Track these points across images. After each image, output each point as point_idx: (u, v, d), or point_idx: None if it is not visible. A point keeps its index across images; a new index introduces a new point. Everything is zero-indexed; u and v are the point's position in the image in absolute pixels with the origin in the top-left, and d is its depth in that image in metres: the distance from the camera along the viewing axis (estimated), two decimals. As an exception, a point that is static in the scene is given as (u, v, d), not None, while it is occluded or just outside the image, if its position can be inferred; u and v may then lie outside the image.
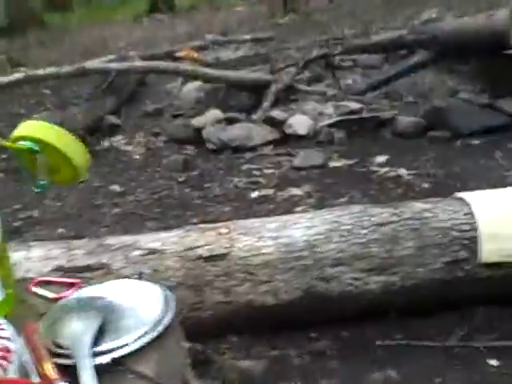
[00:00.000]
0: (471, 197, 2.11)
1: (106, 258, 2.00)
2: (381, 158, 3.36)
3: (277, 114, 3.98)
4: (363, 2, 8.07)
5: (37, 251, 2.04)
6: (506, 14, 3.64)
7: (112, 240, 2.09)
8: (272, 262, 1.95)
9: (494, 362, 1.79)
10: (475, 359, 1.81)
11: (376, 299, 1.96)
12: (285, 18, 8.19)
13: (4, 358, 0.89)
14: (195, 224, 2.50)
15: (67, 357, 0.99)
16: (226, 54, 5.84)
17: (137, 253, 2.01)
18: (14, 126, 1.16)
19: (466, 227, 1.99)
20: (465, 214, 2.02)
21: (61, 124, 1.24)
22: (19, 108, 5.02)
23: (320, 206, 2.77)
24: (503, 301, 1.96)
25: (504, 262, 1.95)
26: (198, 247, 2.00)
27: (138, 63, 4.93)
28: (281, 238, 2.00)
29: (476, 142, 3.42)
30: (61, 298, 1.17)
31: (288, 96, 4.28)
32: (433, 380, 1.75)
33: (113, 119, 4.38)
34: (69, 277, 1.33)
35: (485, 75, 3.90)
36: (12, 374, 0.90)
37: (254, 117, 4.00)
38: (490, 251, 1.94)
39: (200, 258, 1.97)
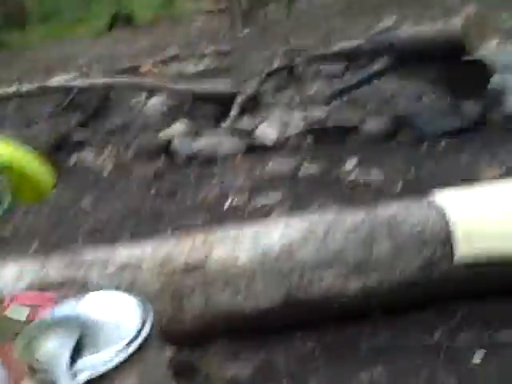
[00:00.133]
0: (442, 197, 2.14)
1: (80, 274, 1.98)
2: (350, 164, 3.38)
3: (244, 123, 3.99)
4: (321, 13, 8.15)
5: (10, 269, 2.01)
6: (461, 22, 3.72)
7: (86, 255, 2.07)
8: (250, 268, 1.95)
9: (478, 357, 1.81)
10: (459, 355, 1.83)
11: (356, 301, 1.97)
12: (244, 31, 8.23)
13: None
14: (170, 236, 2.50)
15: (45, 377, 0.97)
16: (189, 68, 5.83)
17: (112, 267, 1.99)
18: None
19: (440, 227, 2.01)
20: (437, 215, 2.04)
21: (24, 143, 1.22)
22: (-20, 128, 4.94)
23: (292, 213, 2.78)
24: (483, 297, 1.98)
25: (479, 260, 1.97)
26: (175, 259, 1.99)
27: (100, 80, 4.90)
28: (258, 244, 2.00)
29: (441, 144, 3.46)
30: (37, 316, 1.15)
31: (254, 106, 4.30)
32: (419, 377, 1.77)
33: (79, 135, 4.33)
34: (43, 295, 1.31)
35: (445, 80, 3.97)
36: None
37: (222, 128, 4.00)
38: (465, 250, 1.97)
39: (177, 268, 1.96)
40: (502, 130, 3.50)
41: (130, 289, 1.92)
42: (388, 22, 5.94)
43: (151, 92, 4.80)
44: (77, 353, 1.02)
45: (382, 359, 1.84)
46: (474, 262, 1.97)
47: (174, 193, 3.34)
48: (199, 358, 1.78)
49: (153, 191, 3.38)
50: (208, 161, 3.69)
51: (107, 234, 2.92)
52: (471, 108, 3.62)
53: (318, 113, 4.07)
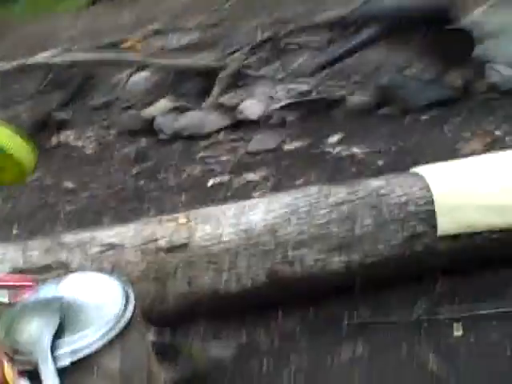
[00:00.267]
0: (426, 171, 2.14)
1: (63, 257, 1.97)
2: (333, 138, 3.37)
3: (227, 100, 3.95)
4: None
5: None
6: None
7: (69, 237, 2.05)
8: (233, 248, 1.95)
9: (458, 332, 1.83)
10: (440, 330, 1.84)
11: (339, 278, 1.98)
12: (228, 3, 8.13)
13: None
14: (153, 216, 2.48)
15: (27, 360, 0.97)
16: (173, 42, 5.76)
17: (95, 249, 1.98)
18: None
19: (422, 201, 2.02)
20: (420, 188, 2.05)
21: (6, 123, 1.20)
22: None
23: (277, 189, 2.77)
24: (464, 271, 2.00)
25: (461, 233, 1.98)
26: (158, 239, 1.98)
27: (83, 56, 4.83)
28: (240, 224, 1.99)
29: (425, 116, 3.45)
30: (18, 300, 1.14)
31: (237, 81, 4.26)
32: (400, 352, 1.78)
33: (61, 115, 4.29)
34: (25, 277, 1.30)
35: (430, 51, 3.94)
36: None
37: (205, 104, 3.96)
38: (447, 223, 1.98)
39: (160, 249, 1.96)
40: (486, 99, 3.49)
41: (112, 270, 1.91)
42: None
43: (135, 68, 4.75)
44: (59, 335, 1.01)
45: (364, 335, 1.85)
46: (456, 235, 1.98)
47: (157, 171, 3.32)
48: (182, 339, 1.78)
49: (136, 170, 3.36)
50: (192, 138, 3.66)
51: (90, 215, 2.91)
52: (454, 79, 3.61)
53: (303, 86, 4.04)
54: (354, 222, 1.99)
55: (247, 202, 2.15)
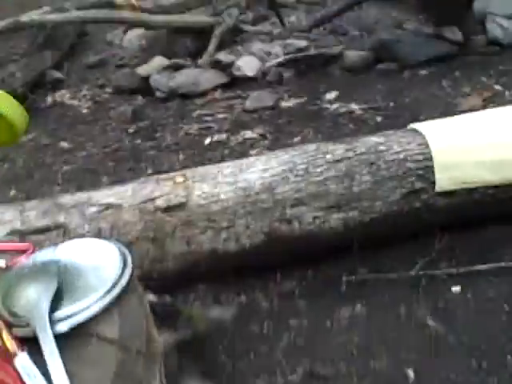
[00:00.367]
0: (424, 127, 2.12)
1: (61, 218, 1.96)
2: (331, 95, 3.34)
3: (223, 56, 3.90)
4: None
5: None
6: None
7: (66, 198, 2.04)
8: (231, 207, 1.94)
9: (456, 289, 1.84)
10: (438, 287, 1.86)
11: (338, 236, 1.98)
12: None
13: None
14: (150, 175, 2.47)
15: (25, 327, 0.96)
16: (166, -1, 5.66)
17: (93, 209, 1.97)
18: None
19: (421, 157, 2.01)
20: (419, 145, 2.04)
21: None
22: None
23: (274, 147, 2.76)
24: (461, 228, 2.00)
25: (460, 189, 1.98)
26: (155, 198, 1.97)
27: (76, 13, 4.74)
28: (238, 183, 1.98)
29: (423, 72, 3.42)
30: (14, 265, 1.14)
31: (233, 38, 4.20)
32: (398, 310, 1.79)
33: (55, 74, 4.23)
34: (21, 241, 1.30)
35: (428, 4, 3.88)
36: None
37: (200, 61, 3.91)
38: (445, 179, 1.97)
39: (158, 209, 1.95)
40: (484, 55, 3.46)
41: (110, 232, 1.91)
42: None
43: (128, 26, 4.67)
44: (56, 301, 1.01)
45: (362, 295, 1.86)
46: (454, 191, 1.98)
47: (153, 130, 3.29)
48: (181, 302, 1.79)
49: (132, 130, 3.33)
50: (188, 95, 3.63)
51: (87, 175, 2.89)
52: (453, 33, 3.56)
53: (300, 42, 3.99)
54: (352, 179, 1.98)
55: (245, 160, 2.14)
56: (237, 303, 1.89)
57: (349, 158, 2.03)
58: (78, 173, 2.95)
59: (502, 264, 1.89)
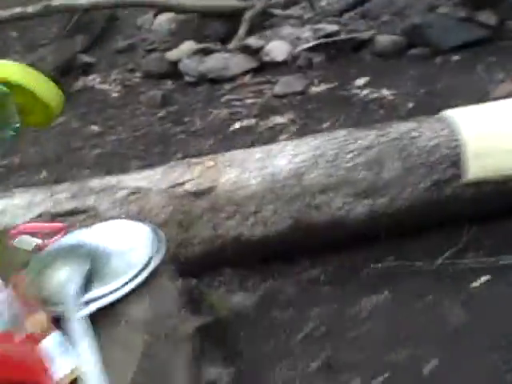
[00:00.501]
0: (456, 114, 2.08)
1: (91, 201, 1.98)
2: (361, 80, 3.30)
3: (253, 41, 3.88)
4: None
5: (20, 198, 2.01)
6: None
7: (95, 182, 2.06)
8: (259, 192, 1.94)
9: (483, 279, 1.81)
10: (464, 277, 1.82)
11: (365, 223, 1.96)
12: None
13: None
14: (179, 159, 2.48)
15: (56, 307, 0.97)
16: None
17: (122, 193, 1.98)
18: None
19: (453, 144, 1.97)
20: (451, 132, 2.00)
21: (31, 67, 1.19)
22: (-15, 53, 4.87)
23: (303, 132, 2.74)
24: (490, 219, 1.96)
25: (489, 177, 1.94)
26: (184, 183, 1.97)
27: (106, -2, 4.75)
28: (267, 168, 1.97)
29: (456, 57, 3.37)
30: (46, 246, 1.15)
31: (263, 22, 4.17)
32: (423, 300, 1.77)
33: (85, 58, 4.26)
34: (54, 222, 1.31)
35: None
36: (1, 326, 0.89)
37: (230, 46, 3.90)
38: (477, 167, 1.94)
39: (187, 193, 1.95)
40: (519, 40, 3.39)
41: (138, 215, 1.92)
42: None
43: (158, 10, 4.68)
44: (87, 282, 1.02)
45: (387, 285, 1.83)
46: (484, 180, 1.95)
47: (182, 115, 3.30)
48: (206, 286, 1.79)
49: (161, 114, 3.34)
50: (217, 81, 3.62)
51: (116, 159, 2.91)
52: (487, 17, 3.48)
53: (331, 26, 3.95)
54: (382, 166, 1.96)
55: (274, 146, 2.13)
56: (262, 289, 1.88)
57: (380, 144, 2.00)
58: (108, 157, 2.97)
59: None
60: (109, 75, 4.02)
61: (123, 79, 3.94)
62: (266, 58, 3.73)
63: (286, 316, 1.80)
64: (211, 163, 2.02)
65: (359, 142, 2.01)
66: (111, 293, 1.00)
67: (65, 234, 1.20)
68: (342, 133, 2.08)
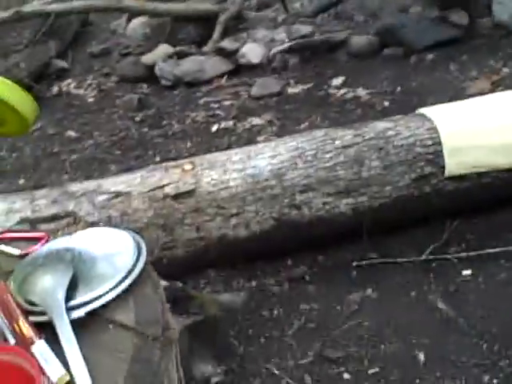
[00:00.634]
0: (432, 112, 2.11)
1: (71, 206, 1.96)
2: (337, 80, 3.33)
3: (228, 44, 3.89)
4: None
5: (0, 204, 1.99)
6: None
7: (75, 186, 2.05)
8: (240, 193, 1.94)
9: (467, 272, 1.84)
10: (449, 271, 1.86)
11: (347, 221, 1.97)
12: None
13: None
14: (158, 163, 2.47)
15: (42, 314, 0.97)
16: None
17: (102, 197, 1.97)
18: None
19: (430, 142, 2.00)
20: (427, 130, 2.03)
21: (4, 73, 1.18)
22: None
23: (282, 133, 2.75)
24: (471, 212, 2.00)
25: (469, 173, 1.97)
26: (164, 186, 1.97)
27: (79, 2, 4.73)
28: (247, 169, 1.98)
29: (430, 56, 3.40)
30: (29, 253, 1.14)
31: (237, 25, 4.19)
32: (409, 294, 1.79)
33: (60, 63, 4.23)
34: (34, 229, 1.30)
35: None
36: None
37: (205, 49, 3.90)
38: (455, 164, 1.97)
39: (167, 196, 1.95)
40: (490, 38, 3.43)
41: (120, 219, 1.91)
42: None
43: (131, 14, 4.66)
44: (72, 289, 1.01)
45: (373, 280, 1.86)
46: (463, 176, 1.97)
47: (160, 118, 3.29)
48: (192, 288, 1.79)
49: (138, 118, 3.33)
50: (193, 84, 3.62)
51: (94, 165, 2.89)
52: (459, 17, 3.53)
53: (304, 28, 3.97)
54: (362, 165, 1.97)
55: (253, 147, 2.13)
56: (248, 288, 1.89)
57: (357, 143, 2.02)
58: (86, 161, 2.95)
59: (512, 248, 1.89)
60: (84, 80, 4.00)
61: (99, 84, 3.91)
62: (242, 61, 3.74)
63: (274, 313, 1.81)
64: (190, 166, 2.02)
65: (337, 141, 2.03)
66: (97, 298, 0.99)
67: (47, 241, 1.19)
68: (319, 133, 2.09)
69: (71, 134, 3.30)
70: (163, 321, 1.07)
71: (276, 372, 1.58)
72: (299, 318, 1.77)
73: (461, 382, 1.52)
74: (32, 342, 0.90)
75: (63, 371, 0.89)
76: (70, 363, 0.90)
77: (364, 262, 1.91)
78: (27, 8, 4.69)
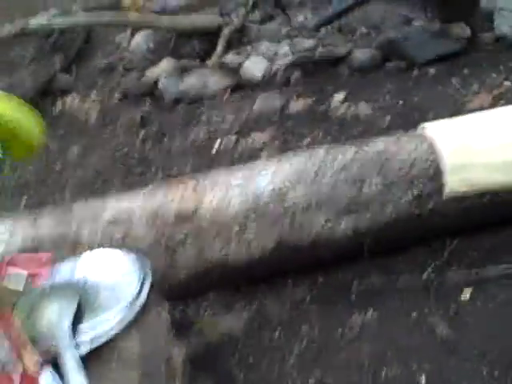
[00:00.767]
0: (434, 128, 2.11)
1: (74, 226, 1.97)
2: (339, 95, 3.33)
3: (231, 58, 3.89)
4: None
5: (2, 225, 2.00)
6: None
7: (78, 207, 2.06)
8: (240, 217, 1.94)
9: (468, 293, 1.83)
10: (449, 292, 1.85)
11: (348, 240, 1.97)
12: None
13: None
14: (160, 180, 2.48)
15: (49, 348, 0.97)
16: (172, 1, 5.65)
17: (103, 222, 1.97)
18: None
19: (431, 158, 2.00)
20: (429, 147, 2.02)
21: (9, 90, 1.18)
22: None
23: (284, 149, 2.76)
24: (473, 232, 1.99)
25: (470, 191, 1.97)
26: (165, 209, 1.97)
27: (83, 17, 4.75)
28: (248, 189, 1.98)
29: (432, 70, 3.40)
30: (34, 283, 1.14)
31: (241, 39, 4.19)
32: (409, 316, 1.79)
33: (64, 78, 4.24)
34: (38, 255, 1.31)
35: (433, 2, 3.85)
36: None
37: (209, 63, 3.91)
38: (456, 182, 1.96)
39: (168, 220, 1.95)
40: (492, 52, 3.43)
41: (122, 240, 1.92)
42: None
43: (135, 28, 4.67)
44: (78, 319, 1.02)
45: (373, 302, 1.86)
46: (465, 195, 1.97)
47: (163, 135, 3.30)
48: (193, 311, 1.79)
49: (141, 136, 3.34)
50: (195, 100, 3.62)
51: (96, 185, 2.90)
52: (461, 31, 3.53)
53: (306, 43, 3.98)
54: (361, 185, 1.97)
55: (255, 165, 2.14)
56: (248, 311, 1.88)
57: (359, 160, 2.02)
58: (89, 179, 2.96)
59: (514, 269, 1.88)
60: (88, 95, 4.00)
61: (102, 100, 3.92)
62: (245, 75, 3.75)
63: (275, 338, 1.81)
64: (192, 185, 2.03)
65: (339, 158, 2.03)
66: (103, 330, 1.00)
67: (52, 267, 1.20)
68: (321, 151, 2.10)
69: (74, 150, 3.31)
70: (166, 351, 1.07)
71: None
72: (300, 342, 1.76)
73: (462, 406, 1.51)
74: (39, 374, 0.91)
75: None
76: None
77: (365, 282, 1.91)
78: (32, 23, 4.71)
